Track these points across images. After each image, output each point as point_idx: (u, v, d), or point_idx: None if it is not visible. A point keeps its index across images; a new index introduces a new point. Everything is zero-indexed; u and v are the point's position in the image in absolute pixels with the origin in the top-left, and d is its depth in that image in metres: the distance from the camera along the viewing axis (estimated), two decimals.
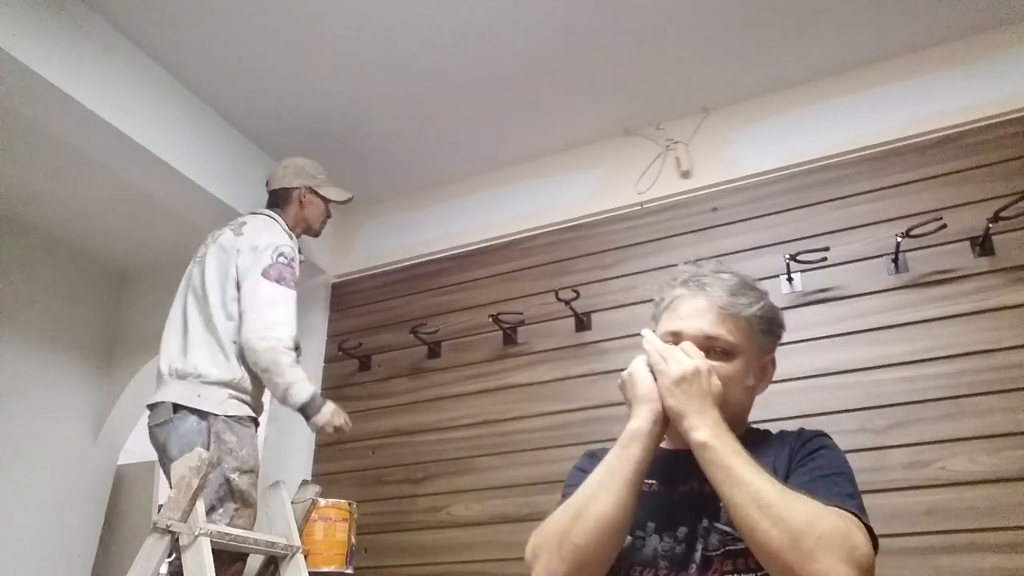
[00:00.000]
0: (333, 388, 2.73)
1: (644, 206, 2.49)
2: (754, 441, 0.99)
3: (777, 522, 0.78)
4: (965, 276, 1.96)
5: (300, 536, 1.96)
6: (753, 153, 2.39)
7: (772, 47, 2.28)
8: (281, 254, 2.03)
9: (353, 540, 2.17)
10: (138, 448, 3.43)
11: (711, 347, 1.00)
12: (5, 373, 2.84)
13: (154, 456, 3.30)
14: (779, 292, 2.15)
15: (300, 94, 2.45)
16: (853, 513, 0.83)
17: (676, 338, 1.02)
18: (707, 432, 0.87)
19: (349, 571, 2.12)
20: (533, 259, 2.60)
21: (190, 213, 2.52)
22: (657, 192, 2.48)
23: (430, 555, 2.30)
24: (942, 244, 2.00)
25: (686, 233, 2.37)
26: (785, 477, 0.92)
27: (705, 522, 0.93)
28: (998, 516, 1.70)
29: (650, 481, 0.97)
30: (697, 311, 1.03)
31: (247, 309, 1.95)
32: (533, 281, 2.55)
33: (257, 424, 2.03)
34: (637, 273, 2.39)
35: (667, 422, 0.93)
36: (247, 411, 1.97)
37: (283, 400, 1.94)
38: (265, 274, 1.98)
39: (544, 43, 2.25)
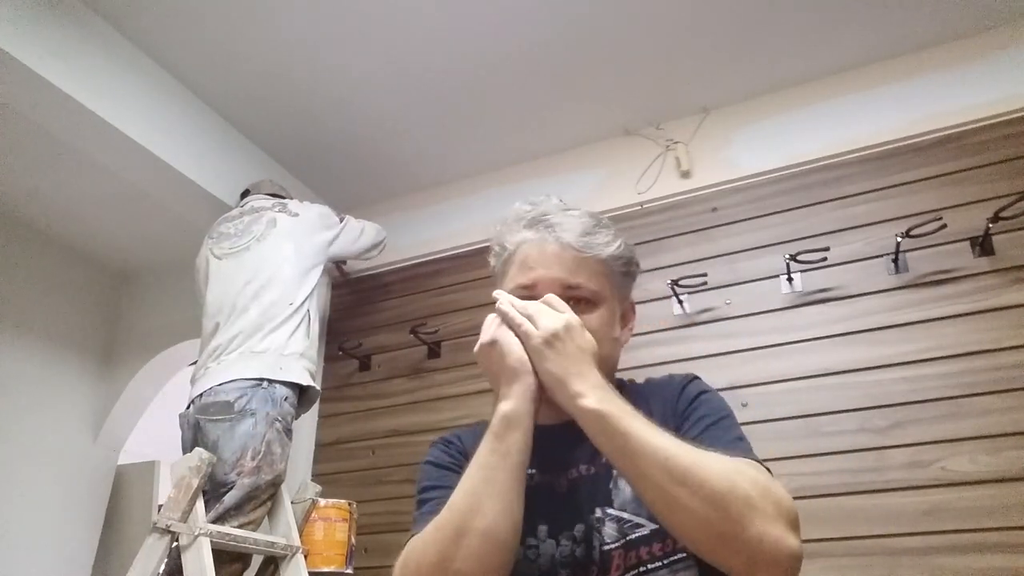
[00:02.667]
0: (333, 388, 2.73)
1: (644, 206, 2.49)
2: (629, 396, 0.87)
3: (697, 490, 0.66)
4: (965, 276, 1.96)
5: (300, 536, 1.97)
6: (753, 153, 2.39)
7: (772, 47, 2.28)
8: (331, 213, 2.49)
9: (353, 540, 2.17)
10: (138, 448, 3.44)
11: (571, 297, 0.85)
12: (5, 373, 2.83)
13: (154, 456, 3.37)
14: (779, 292, 2.15)
15: (300, 94, 2.44)
16: (755, 459, 0.76)
17: (530, 292, 0.87)
18: (595, 397, 0.73)
19: (349, 571, 2.12)
20: None
21: (190, 212, 2.52)
22: (657, 192, 2.48)
23: None
24: (942, 244, 2.00)
25: (686, 233, 2.37)
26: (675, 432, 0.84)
27: (598, 511, 0.81)
28: (998, 516, 1.70)
29: (529, 471, 0.78)
30: (550, 256, 0.89)
31: (355, 246, 2.51)
32: None
33: None
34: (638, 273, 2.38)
35: (542, 395, 0.78)
36: (310, 380, 2.09)
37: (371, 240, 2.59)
38: (342, 221, 2.48)
39: (544, 43, 2.25)
